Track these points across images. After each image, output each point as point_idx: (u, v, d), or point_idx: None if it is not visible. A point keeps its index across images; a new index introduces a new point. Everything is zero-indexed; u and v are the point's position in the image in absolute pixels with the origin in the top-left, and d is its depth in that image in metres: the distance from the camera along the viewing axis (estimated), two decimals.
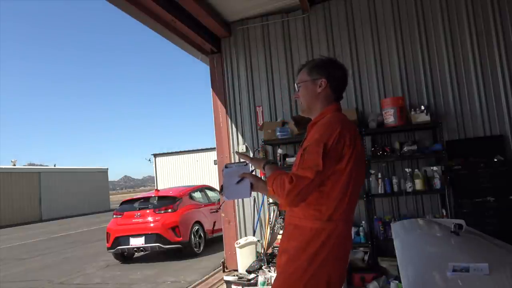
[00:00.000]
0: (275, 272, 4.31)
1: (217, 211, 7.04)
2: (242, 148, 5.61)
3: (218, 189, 1.85)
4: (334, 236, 1.60)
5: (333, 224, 1.60)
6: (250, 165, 1.86)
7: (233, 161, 5.66)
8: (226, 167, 1.86)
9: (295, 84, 1.86)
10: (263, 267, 4.61)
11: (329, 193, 1.59)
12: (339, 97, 1.79)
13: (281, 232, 5.11)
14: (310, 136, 1.66)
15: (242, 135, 5.66)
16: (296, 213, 1.67)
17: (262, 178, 1.83)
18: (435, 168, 4.53)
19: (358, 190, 1.70)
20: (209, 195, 9.23)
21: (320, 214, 1.60)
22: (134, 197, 8.62)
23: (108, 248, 7.63)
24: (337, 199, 1.60)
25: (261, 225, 5.38)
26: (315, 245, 1.59)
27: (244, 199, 5.53)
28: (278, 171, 1.63)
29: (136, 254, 7.88)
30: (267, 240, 5.15)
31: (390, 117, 4.56)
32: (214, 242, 8.23)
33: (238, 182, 1.78)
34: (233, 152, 5.68)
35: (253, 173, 1.82)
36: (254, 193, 5.51)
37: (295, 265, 1.61)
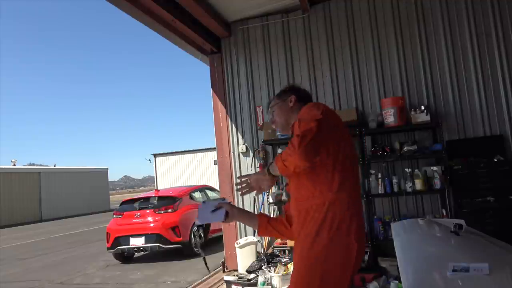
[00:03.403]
0: (276, 271, 4.32)
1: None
2: (242, 148, 5.61)
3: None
4: (345, 205, 1.70)
5: (340, 195, 1.70)
6: (227, 200, 2.03)
7: (233, 163, 5.67)
8: (203, 202, 2.07)
9: (269, 111, 2.11)
10: (263, 267, 4.61)
11: (329, 170, 1.70)
12: None
13: None
14: (295, 130, 1.76)
15: (242, 135, 5.66)
16: (302, 197, 1.77)
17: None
18: (435, 168, 4.53)
19: (356, 166, 1.86)
20: (209, 195, 9.23)
21: (324, 189, 1.71)
22: (134, 197, 8.63)
23: (108, 248, 7.63)
24: (337, 174, 1.70)
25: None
26: (330, 217, 1.68)
27: (244, 199, 5.53)
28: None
29: (136, 254, 7.88)
30: (267, 240, 5.15)
31: (390, 117, 4.56)
32: (214, 242, 8.24)
33: (214, 210, 1.95)
34: (233, 152, 5.68)
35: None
36: (253, 193, 5.52)
37: (319, 243, 1.69)
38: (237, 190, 1.94)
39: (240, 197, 5.59)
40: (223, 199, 2.05)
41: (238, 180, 1.90)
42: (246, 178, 1.88)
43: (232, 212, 1.94)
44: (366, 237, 1.97)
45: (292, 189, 1.86)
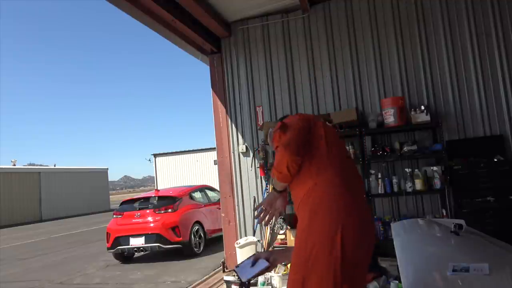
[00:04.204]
0: (276, 271, 4.32)
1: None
2: (242, 148, 5.61)
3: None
4: (326, 186, 1.70)
5: (319, 178, 1.72)
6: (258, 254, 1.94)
7: (233, 163, 5.66)
8: (237, 266, 1.92)
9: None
10: None
11: (306, 161, 1.76)
12: None
13: (281, 232, 5.10)
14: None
15: (242, 135, 5.66)
16: (296, 197, 1.81)
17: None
18: (435, 168, 4.53)
19: (340, 150, 1.87)
20: (209, 195, 9.23)
21: (306, 179, 1.75)
22: (134, 197, 8.62)
23: (108, 248, 7.63)
24: (314, 161, 1.75)
25: (261, 225, 5.37)
26: (311, 202, 1.69)
27: (244, 199, 5.54)
28: None
29: (136, 254, 7.87)
30: (267, 240, 5.15)
31: (390, 117, 4.56)
32: (214, 242, 8.24)
33: (253, 265, 1.86)
34: (233, 152, 5.68)
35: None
36: (254, 193, 5.52)
37: (300, 228, 1.71)
38: (258, 222, 1.97)
39: (239, 198, 5.59)
40: (254, 254, 1.94)
41: (256, 213, 1.97)
42: (260, 207, 1.98)
43: (273, 258, 1.89)
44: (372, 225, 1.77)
45: (291, 195, 1.89)
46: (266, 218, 1.98)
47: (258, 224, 5.35)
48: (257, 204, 5.43)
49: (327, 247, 1.56)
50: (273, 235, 5.20)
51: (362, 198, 1.84)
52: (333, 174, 1.73)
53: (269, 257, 1.89)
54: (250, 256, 1.94)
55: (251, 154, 5.56)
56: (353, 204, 1.67)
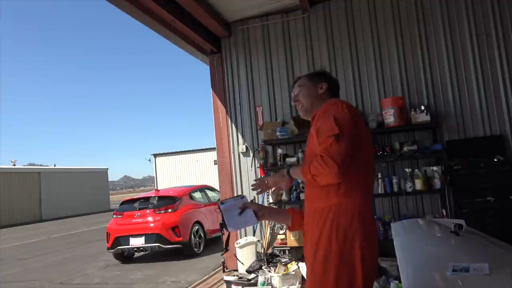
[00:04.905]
0: (276, 271, 4.32)
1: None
2: (242, 148, 5.61)
3: (218, 225, 1.92)
4: (349, 212, 1.61)
5: (346, 200, 1.62)
6: (246, 197, 1.91)
7: (233, 163, 5.66)
8: (222, 203, 1.86)
9: (294, 90, 1.96)
10: (263, 267, 4.61)
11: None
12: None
13: (281, 232, 5.11)
14: (315, 122, 1.72)
15: (242, 135, 5.66)
16: (311, 196, 1.73)
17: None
18: (435, 168, 4.53)
19: (372, 171, 1.76)
20: (209, 195, 9.23)
21: (331, 192, 1.64)
22: (134, 197, 8.62)
23: (108, 248, 7.63)
24: (347, 178, 1.60)
25: (261, 225, 5.38)
26: (330, 224, 1.61)
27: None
28: (303, 164, 1.70)
29: (136, 254, 7.87)
30: (267, 240, 5.15)
31: (390, 117, 4.56)
32: (214, 242, 8.24)
33: (240, 213, 1.81)
34: (233, 152, 5.68)
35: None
36: (254, 193, 5.51)
37: (319, 253, 1.62)
38: (253, 189, 1.92)
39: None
40: (242, 196, 1.89)
41: (255, 183, 1.91)
42: (263, 180, 1.92)
43: (262, 213, 1.88)
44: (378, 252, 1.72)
45: (306, 187, 1.84)
46: (260, 190, 1.92)
47: (257, 224, 5.35)
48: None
49: (350, 272, 1.57)
50: (273, 235, 5.20)
51: (371, 213, 1.81)
52: (362, 196, 1.65)
53: (258, 212, 1.86)
54: (237, 196, 1.89)
55: (251, 154, 5.57)
56: (373, 226, 1.69)
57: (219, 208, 1.84)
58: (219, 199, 1.74)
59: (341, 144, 1.55)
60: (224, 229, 1.81)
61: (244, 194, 1.91)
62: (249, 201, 1.91)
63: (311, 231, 1.70)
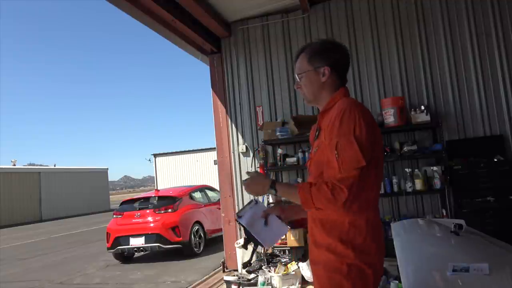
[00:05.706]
0: (276, 271, 4.32)
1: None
2: (242, 148, 5.61)
3: (242, 242, 1.61)
4: (369, 225, 1.48)
5: (360, 216, 1.47)
6: (260, 200, 1.75)
7: (233, 163, 5.65)
8: (239, 216, 1.66)
9: (295, 75, 1.76)
10: (263, 267, 4.61)
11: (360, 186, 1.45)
12: (344, 81, 1.68)
13: None
14: (326, 126, 1.54)
15: (242, 135, 5.66)
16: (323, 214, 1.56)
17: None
18: (435, 168, 4.53)
19: (382, 177, 1.59)
20: (209, 195, 9.23)
21: (347, 214, 1.47)
22: (134, 197, 8.62)
23: (108, 248, 7.63)
24: (363, 194, 1.43)
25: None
26: (345, 238, 1.47)
27: (244, 197, 5.53)
28: (300, 184, 1.51)
29: (136, 254, 7.87)
30: None
31: (390, 117, 4.56)
32: (214, 242, 8.24)
33: (266, 223, 1.62)
34: (233, 152, 5.68)
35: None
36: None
37: (341, 260, 1.47)
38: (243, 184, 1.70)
39: (239, 198, 5.59)
40: (256, 201, 1.68)
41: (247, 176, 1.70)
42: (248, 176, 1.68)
43: (285, 215, 1.69)
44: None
45: None
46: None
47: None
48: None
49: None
50: None
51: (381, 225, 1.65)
52: (374, 209, 1.53)
53: (281, 215, 1.66)
54: (251, 203, 1.66)
55: (251, 154, 5.56)
56: (382, 243, 1.54)
57: (239, 223, 1.65)
58: (236, 213, 1.54)
59: (362, 177, 1.39)
60: (258, 245, 1.62)
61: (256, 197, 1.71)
62: (256, 203, 1.71)
63: (319, 236, 1.55)
